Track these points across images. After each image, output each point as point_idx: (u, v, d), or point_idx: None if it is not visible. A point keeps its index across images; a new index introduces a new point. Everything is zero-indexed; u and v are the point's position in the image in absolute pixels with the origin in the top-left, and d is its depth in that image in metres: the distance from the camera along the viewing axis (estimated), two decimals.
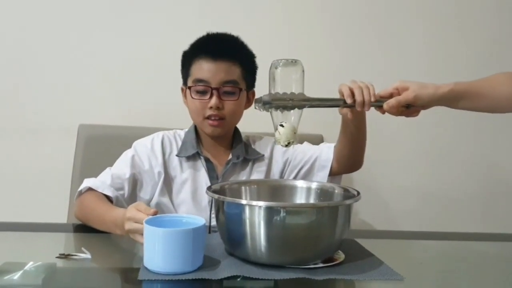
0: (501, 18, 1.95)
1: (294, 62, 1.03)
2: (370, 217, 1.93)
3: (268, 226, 0.88)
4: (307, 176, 1.37)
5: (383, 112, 1.10)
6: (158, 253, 0.86)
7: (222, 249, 0.99)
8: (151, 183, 1.30)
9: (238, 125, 1.38)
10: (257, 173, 1.36)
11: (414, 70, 1.90)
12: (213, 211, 0.99)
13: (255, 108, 1.06)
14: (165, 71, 1.66)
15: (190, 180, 1.31)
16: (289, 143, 1.03)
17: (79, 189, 1.26)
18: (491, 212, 1.99)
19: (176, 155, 1.33)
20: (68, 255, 0.95)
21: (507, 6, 1.95)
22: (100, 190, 1.23)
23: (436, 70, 1.90)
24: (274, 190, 1.14)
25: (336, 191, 1.08)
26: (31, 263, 0.87)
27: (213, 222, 1.02)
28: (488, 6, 1.94)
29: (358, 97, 1.07)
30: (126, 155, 1.31)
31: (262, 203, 0.89)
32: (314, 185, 1.12)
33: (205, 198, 1.29)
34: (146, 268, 0.88)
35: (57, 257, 0.94)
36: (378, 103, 1.08)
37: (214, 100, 1.26)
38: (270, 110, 1.03)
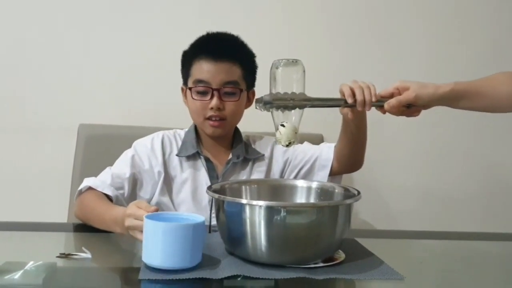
0: (501, 18, 1.95)
1: (295, 62, 1.03)
2: (370, 216, 1.94)
3: (269, 225, 0.88)
4: (307, 176, 1.37)
5: (384, 112, 1.10)
6: (157, 248, 0.86)
7: (223, 249, 0.99)
8: (151, 183, 1.30)
9: (239, 125, 1.38)
10: (257, 172, 1.36)
11: (414, 70, 1.90)
12: (213, 211, 0.99)
13: (256, 108, 1.06)
14: (165, 70, 1.66)
15: (190, 180, 1.31)
16: (290, 143, 1.03)
17: (79, 188, 1.26)
18: (491, 212, 1.99)
19: (176, 155, 1.33)
20: (69, 254, 0.95)
21: (507, 6, 1.95)
22: (100, 190, 1.23)
23: (436, 70, 1.90)
24: (275, 190, 1.14)
25: (337, 190, 1.08)
26: (31, 262, 0.87)
27: (213, 222, 1.02)
28: (488, 6, 1.94)
29: (359, 97, 1.07)
30: (126, 155, 1.32)
31: (262, 203, 0.89)
32: (314, 185, 1.12)
33: (205, 198, 1.29)
34: (145, 266, 0.89)
35: (57, 257, 0.94)
36: (379, 103, 1.08)
37: (215, 101, 1.26)
38: (271, 110, 1.03)
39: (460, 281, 0.95)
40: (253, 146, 1.40)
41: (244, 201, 0.96)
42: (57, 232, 1.20)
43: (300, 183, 1.14)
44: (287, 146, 1.04)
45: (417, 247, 1.19)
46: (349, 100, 1.07)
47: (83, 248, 0.97)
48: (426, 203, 1.97)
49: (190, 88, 1.30)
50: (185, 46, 1.34)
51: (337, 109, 1.15)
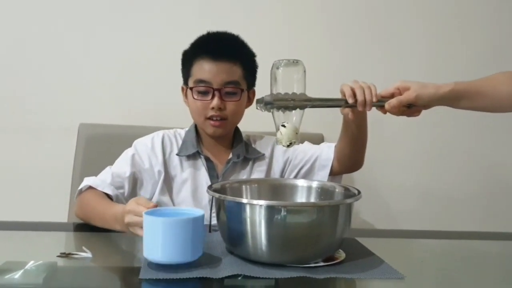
0: (501, 18, 1.95)
1: (295, 62, 1.03)
2: (370, 216, 1.94)
3: (269, 225, 0.88)
4: (307, 176, 1.37)
5: (385, 112, 1.10)
6: (158, 243, 0.87)
7: (223, 248, 0.99)
8: (151, 182, 1.31)
9: (239, 124, 1.38)
10: (258, 172, 1.36)
11: (414, 70, 1.90)
12: (213, 210, 0.99)
13: (257, 108, 1.06)
14: (165, 70, 1.66)
15: (190, 179, 1.32)
16: (291, 143, 1.03)
17: (79, 187, 1.26)
18: (491, 212, 1.99)
19: (177, 154, 1.33)
20: (69, 254, 0.95)
21: (507, 6, 1.95)
22: (100, 189, 1.23)
23: (436, 70, 1.90)
24: (275, 189, 1.14)
25: (337, 190, 1.08)
26: (32, 262, 0.87)
27: (213, 221, 1.02)
28: (488, 6, 1.94)
29: (359, 97, 1.07)
30: (127, 154, 1.32)
31: (263, 202, 0.89)
32: (314, 184, 1.12)
33: (205, 197, 1.29)
34: (146, 266, 0.89)
35: (58, 256, 0.94)
36: (380, 103, 1.09)
37: (216, 101, 1.26)
38: (271, 110, 1.03)
39: (460, 280, 0.95)
40: (253, 145, 1.40)
41: (244, 200, 0.96)
42: (58, 231, 1.20)
43: (301, 182, 1.14)
44: (288, 146, 1.04)
45: (417, 246, 1.19)
46: (350, 100, 1.07)
47: (83, 248, 0.97)
48: (426, 203, 1.97)
49: (191, 88, 1.30)
50: (185, 46, 1.34)
51: (337, 108, 1.15)
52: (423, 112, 1.12)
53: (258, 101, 1.05)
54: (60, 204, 1.59)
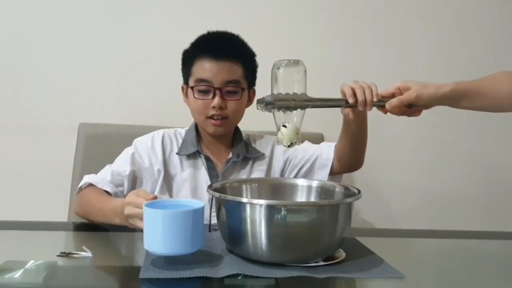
0: (501, 18, 1.95)
1: (296, 63, 1.03)
2: (370, 215, 1.94)
3: (269, 224, 0.88)
4: (307, 175, 1.38)
5: (385, 112, 1.10)
6: (158, 235, 0.87)
7: (223, 247, 0.99)
8: (150, 180, 1.31)
9: (239, 124, 1.38)
10: (258, 172, 1.36)
11: (414, 70, 1.90)
12: (213, 210, 0.99)
13: (257, 108, 1.06)
14: (165, 70, 1.66)
15: (190, 179, 1.32)
16: (291, 143, 1.03)
17: (79, 185, 1.27)
18: (491, 211, 1.99)
19: (177, 153, 1.33)
20: (69, 253, 0.95)
21: (507, 6, 1.95)
22: (99, 186, 1.24)
23: (436, 70, 1.90)
24: (275, 189, 1.14)
25: (337, 189, 1.08)
26: (32, 261, 0.87)
27: (213, 221, 1.02)
28: (488, 6, 1.94)
29: (360, 97, 1.07)
30: (127, 153, 1.32)
31: (263, 201, 0.89)
32: (314, 184, 1.12)
33: (205, 196, 1.29)
34: (147, 265, 0.88)
35: (58, 256, 0.94)
36: (380, 103, 1.09)
37: (217, 100, 1.26)
38: (272, 110, 1.03)
39: (460, 279, 0.95)
40: (253, 145, 1.40)
41: (244, 200, 0.96)
42: (58, 231, 1.20)
43: (301, 182, 1.14)
44: (289, 146, 1.04)
45: (417, 246, 1.19)
46: (350, 100, 1.07)
47: (83, 247, 0.97)
48: (426, 202, 1.97)
49: (191, 87, 1.30)
50: (185, 45, 1.34)
51: (336, 108, 1.15)
52: (424, 112, 1.12)
53: (259, 101, 1.05)
54: (60, 203, 1.59)
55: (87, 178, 1.26)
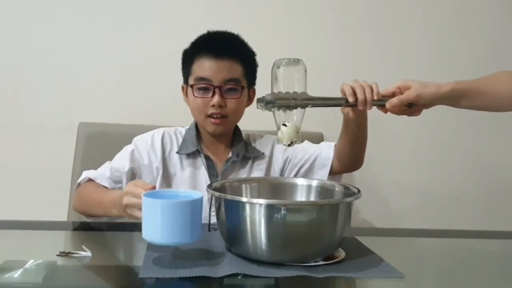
0: (501, 18, 1.95)
1: (296, 62, 1.03)
2: (370, 215, 1.94)
3: (269, 223, 0.88)
4: (307, 175, 1.37)
5: (386, 111, 1.10)
6: (156, 224, 0.87)
7: (223, 247, 0.99)
8: (150, 178, 1.31)
9: (239, 123, 1.38)
10: (257, 171, 1.36)
11: (414, 70, 1.90)
12: (212, 209, 0.99)
13: (258, 107, 1.06)
14: (165, 69, 1.66)
15: (190, 178, 1.32)
16: (292, 142, 1.03)
17: (78, 181, 1.28)
18: (491, 211, 1.99)
19: (177, 152, 1.33)
20: (69, 253, 0.95)
21: (507, 6, 1.95)
22: (98, 181, 1.25)
23: (436, 70, 1.90)
24: (275, 188, 1.14)
25: (337, 189, 1.08)
26: (31, 261, 0.87)
27: (213, 220, 1.02)
28: (488, 6, 1.94)
29: (360, 96, 1.07)
30: (126, 150, 1.33)
31: (262, 201, 0.89)
32: (314, 183, 1.12)
33: (205, 196, 1.29)
34: (146, 265, 0.88)
35: (57, 255, 0.94)
36: (380, 102, 1.09)
37: (216, 98, 1.26)
38: (272, 109, 1.03)
39: (460, 278, 0.95)
40: (253, 144, 1.40)
41: (244, 199, 0.96)
42: (57, 230, 1.20)
43: (300, 181, 1.14)
44: (289, 145, 1.04)
45: (417, 245, 1.19)
46: (350, 99, 1.07)
47: (83, 247, 0.97)
48: (426, 202, 1.97)
49: (191, 86, 1.30)
50: (185, 45, 1.35)
51: (336, 107, 1.14)
52: (423, 111, 1.12)
53: (259, 100, 1.05)
54: (60, 203, 1.60)
55: (86, 174, 1.28)
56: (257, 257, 0.91)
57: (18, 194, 1.78)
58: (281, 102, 1.02)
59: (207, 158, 1.33)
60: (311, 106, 1.04)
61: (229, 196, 0.95)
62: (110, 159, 1.33)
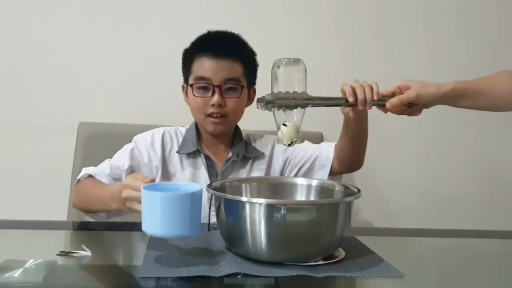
0: (501, 18, 1.95)
1: (296, 61, 1.03)
2: (370, 214, 1.94)
3: (269, 223, 0.88)
4: (307, 175, 1.37)
5: (386, 111, 1.10)
6: (156, 217, 0.87)
7: (223, 246, 0.99)
8: None
9: (239, 123, 1.38)
10: (257, 171, 1.36)
11: (414, 70, 1.90)
12: (212, 209, 0.99)
13: (258, 107, 1.06)
14: (165, 69, 1.66)
15: (190, 177, 1.32)
16: (292, 142, 1.03)
17: (78, 177, 1.28)
18: (491, 210, 1.99)
19: (177, 152, 1.33)
20: (69, 252, 0.95)
21: (507, 6, 1.95)
22: (98, 177, 1.25)
23: (436, 70, 1.90)
24: (275, 188, 1.13)
25: (337, 188, 1.07)
26: (31, 260, 0.87)
27: (213, 220, 1.02)
28: (488, 6, 1.94)
29: (360, 96, 1.07)
30: (126, 148, 1.33)
31: (262, 200, 0.89)
32: (314, 183, 1.12)
33: (204, 195, 1.29)
34: (146, 264, 0.88)
35: (57, 255, 0.94)
36: (381, 102, 1.09)
37: (216, 98, 1.26)
38: (272, 109, 1.03)
39: (460, 278, 0.95)
40: (253, 144, 1.40)
41: (244, 198, 0.96)
42: (57, 230, 1.20)
43: (300, 181, 1.14)
44: (289, 145, 1.04)
45: (417, 245, 1.19)
46: (350, 99, 1.07)
47: (83, 246, 0.97)
48: (426, 201, 1.97)
49: (191, 85, 1.30)
50: (185, 45, 1.35)
51: (336, 107, 1.14)
52: (423, 111, 1.12)
53: (259, 100, 1.05)
54: (60, 203, 1.60)
55: (86, 170, 1.28)
56: (257, 256, 0.91)
57: (18, 194, 1.78)
58: (281, 102, 1.02)
59: (207, 158, 1.33)
60: (311, 106, 1.04)
61: (229, 196, 0.95)
62: (110, 158, 1.33)
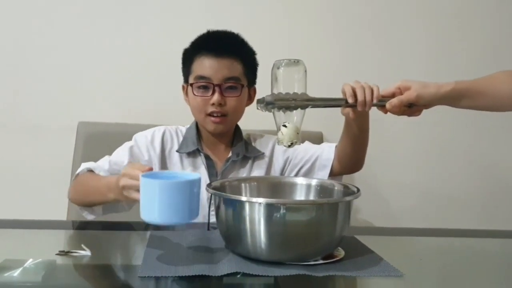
0: (501, 18, 1.96)
1: (296, 62, 1.03)
2: (370, 214, 1.94)
3: (268, 222, 0.88)
4: (307, 175, 1.37)
5: (386, 112, 1.10)
6: (154, 205, 0.87)
7: (222, 246, 0.99)
8: None
9: (239, 123, 1.38)
10: (257, 171, 1.36)
11: (414, 70, 1.90)
12: (212, 208, 0.99)
13: (258, 108, 1.06)
14: (165, 69, 1.66)
15: None
16: (292, 143, 1.03)
17: (77, 172, 1.28)
18: (491, 210, 1.99)
19: (177, 151, 1.33)
20: (68, 252, 0.95)
21: (507, 6, 1.96)
22: (96, 172, 1.25)
23: (436, 70, 1.90)
24: (274, 187, 1.13)
25: (336, 188, 1.07)
26: (31, 260, 0.87)
27: (212, 219, 1.02)
28: (488, 6, 1.94)
29: (359, 97, 1.07)
30: (126, 146, 1.34)
31: (262, 200, 0.89)
32: (314, 182, 1.12)
33: (204, 195, 1.29)
34: (146, 264, 0.88)
35: (56, 254, 0.94)
36: (381, 103, 1.09)
37: (216, 97, 1.26)
38: (272, 110, 1.03)
39: (460, 278, 0.95)
40: (253, 144, 1.40)
41: (244, 198, 0.96)
42: (57, 229, 1.20)
43: (300, 180, 1.14)
44: (289, 146, 1.04)
45: (416, 244, 1.19)
46: (350, 100, 1.07)
47: (82, 246, 0.97)
48: (425, 201, 1.97)
49: (191, 84, 1.30)
50: (185, 45, 1.35)
51: (337, 108, 1.14)
52: (423, 111, 1.12)
53: (259, 101, 1.05)
54: (60, 202, 1.59)
55: (85, 165, 1.28)
56: (257, 256, 0.91)
57: (18, 194, 1.78)
58: (281, 103, 1.02)
59: (207, 157, 1.33)
60: (311, 107, 1.04)
61: (229, 195, 0.95)
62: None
